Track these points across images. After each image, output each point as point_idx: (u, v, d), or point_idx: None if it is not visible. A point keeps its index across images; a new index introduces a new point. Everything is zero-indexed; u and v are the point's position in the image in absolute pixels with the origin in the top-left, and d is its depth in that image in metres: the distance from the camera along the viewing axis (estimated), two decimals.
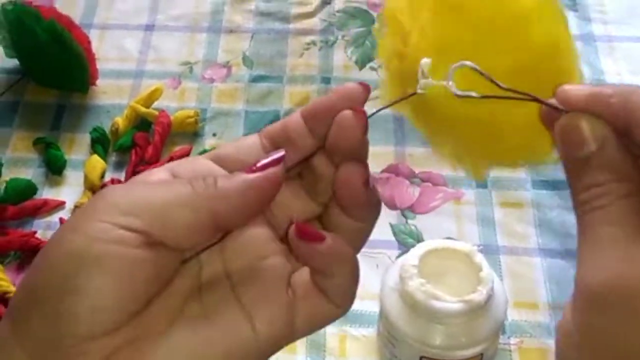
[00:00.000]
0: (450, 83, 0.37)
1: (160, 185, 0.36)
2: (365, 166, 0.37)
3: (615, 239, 0.32)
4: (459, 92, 0.37)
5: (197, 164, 0.38)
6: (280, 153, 0.36)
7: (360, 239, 0.39)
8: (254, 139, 0.39)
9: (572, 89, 0.35)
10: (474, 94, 0.37)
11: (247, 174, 0.35)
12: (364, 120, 0.37)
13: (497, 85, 0.36)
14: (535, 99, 0.36)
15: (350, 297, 0.37)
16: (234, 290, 0.36)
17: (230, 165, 0.38)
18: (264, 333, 0.35)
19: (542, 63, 0.38)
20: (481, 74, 0.36)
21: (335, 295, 0.36)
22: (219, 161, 0.38)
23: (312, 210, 0.39)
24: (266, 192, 0.35)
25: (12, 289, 0.70)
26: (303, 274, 0.37)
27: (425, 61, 0.38)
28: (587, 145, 0.34)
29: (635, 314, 0.31)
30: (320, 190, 0.39)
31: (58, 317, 0.32)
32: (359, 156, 0.37)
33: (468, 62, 0.37)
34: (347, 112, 0.37)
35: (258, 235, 0.39)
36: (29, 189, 0.80)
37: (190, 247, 0.36)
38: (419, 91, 0.38)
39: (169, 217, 0.34)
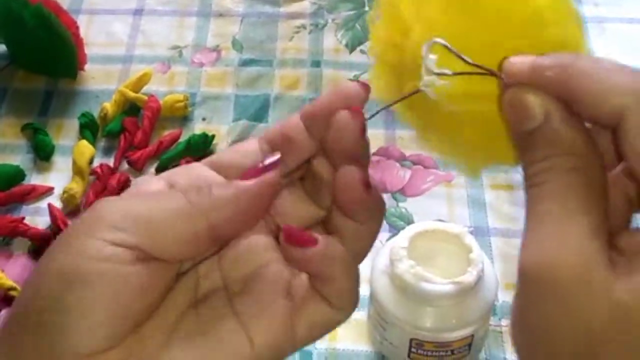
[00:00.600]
0: (430, 58, 0.36)
1: (154, 197, 0.35)
2: (365, 167, 0.36)
3: (551, 216, 0.31)
4: (436, 70, 0.36)
5: (194, 172, 0.37)
6: (276, 157, 0.35)
7: (366, 240, 0.37)
8: (252, 144, 0.38)
9: (516, 61, 0.34)
10: (447, 71, 0.35)
11: (243, 181, 0.34)
12: (361, 121, 0.35)
13: (464, 60, 0.35)
14: (493, 73, 0.35)
15: (353, 299, 0.36)
16: (231, 301, 0.35)
17: (228, 171, 0.37)
18: (262, 345, 0.34)
19: None
20: (450, 50, 0.35)
21: (336, 299, 0.35)
22: (217, 168, 0.37)
23: (315, 215, 0.38)
24: (263, 199, 0.34)
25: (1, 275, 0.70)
26: (303, 280, 0.36)
27: (432, 58, 0.36)
28: (531, 118, 0.33)
29: (561, 301, 0.30)
30: (322, 194, 0.38)
31: (52, 338, 0.31)
32: (358, 157, 0.36)
33: (439, 40, 0.35)
34: (344, 113, 0.35)
35: (257, 243, 0.37)
36: (18, 175, 0.79)
37: (187, 259, 0.35)
38: (422, 89, 0.36)
39: (163, 230, 0.33)
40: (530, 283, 0.31)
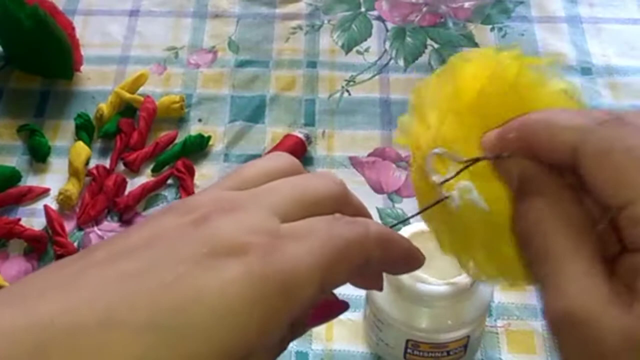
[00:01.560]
0: (430, 169, 0.37)
1: None
2: None
3: (549, 266, 0.32)
4: (437, 179, 0.37)
5: None
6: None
7: None
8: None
9: (486, 136, 0.36)
10: (449, 175, 0.37)
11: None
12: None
13: (459, 160, 0.37)
14: (478, 158, 0.36)
15: None
16: None
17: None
18: None
19: None
20: (445, 156, 0.37)
21: None
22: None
23: None
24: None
25: None
26: None
27: (432, 169, 0.38)
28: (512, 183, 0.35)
29: (578, 345, 0.31)
30: None
31: None
32: None
33: (437, 150, 0.37)
34: None
35: None
36: (14, 176, 0.79)
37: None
38: (444, 193, 0.38)
39: None
40: (553, 331, 0.32)
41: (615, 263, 0.32)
